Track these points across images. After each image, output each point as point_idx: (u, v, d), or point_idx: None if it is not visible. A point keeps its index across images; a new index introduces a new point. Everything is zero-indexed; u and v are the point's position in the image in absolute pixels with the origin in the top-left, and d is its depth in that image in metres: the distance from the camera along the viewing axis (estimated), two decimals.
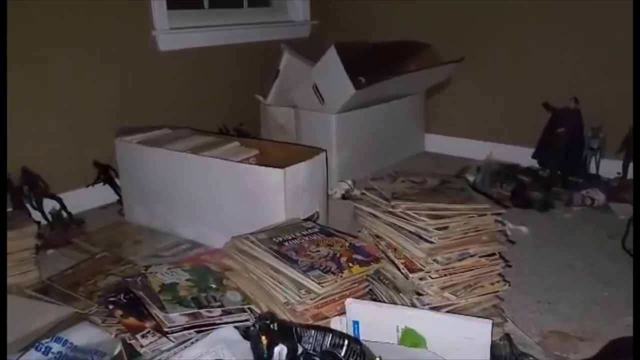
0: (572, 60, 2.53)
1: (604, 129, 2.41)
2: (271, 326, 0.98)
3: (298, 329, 1.01)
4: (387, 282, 1.40)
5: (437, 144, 3.03)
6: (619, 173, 2.37)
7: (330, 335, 0.99)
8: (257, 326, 1.00)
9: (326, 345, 0.98)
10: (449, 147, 2.96)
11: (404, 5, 2.96)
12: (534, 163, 2.58)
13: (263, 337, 0.95)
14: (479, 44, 2.75)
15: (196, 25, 2.67)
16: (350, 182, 2.42)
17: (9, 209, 1.99)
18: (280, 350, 0.93)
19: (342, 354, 0.94)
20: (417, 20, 2.93)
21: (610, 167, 2.41)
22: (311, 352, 0.96)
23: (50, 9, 2.10)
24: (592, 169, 2.48)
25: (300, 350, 0.96)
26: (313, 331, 1.01)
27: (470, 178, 2.44)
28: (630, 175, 2.35)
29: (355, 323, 1.22)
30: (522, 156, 2.59)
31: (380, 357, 0.99)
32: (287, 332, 0.98)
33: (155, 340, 1.26)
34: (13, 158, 2.02)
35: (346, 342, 0.97)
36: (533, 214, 2.16)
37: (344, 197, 2.35)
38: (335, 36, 2.87)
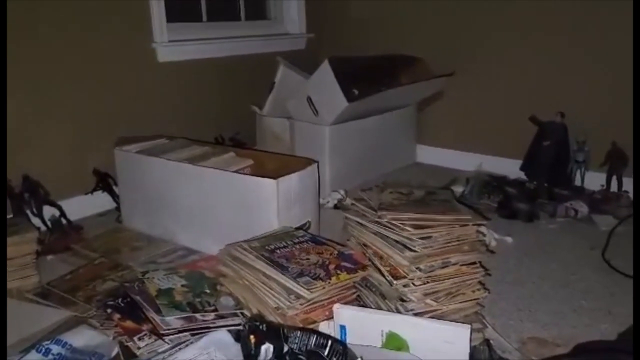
0: (559, 75, 2.61)
1: (588, 143, 2.49)
2: (260, 327, 1.04)
3: (285, 329, 1.08)
4: (373, 288, 1.46)
5: (428, 155, 3.11)
6: (602, 185, 2.44)
7: (315, 336, 1.06)
8: (246, 326, 1.06)
9: (311, 345, 1.04)
10: (439, 158, 3.03)
11: (397, 20, 3.05)
12: (522, 175, 2.65)
13: (251, 336, 1.01)
14: (469, 59, 2.84)
15: (194, 37, 2.74)
16: (342, 192, 2.49)
17: (10, 216, 2.05)
18: (267, 348, 0.99)
19: (326, 353, 1.01)
20: (410, 35, 3.01)
21: (595, 180, 2.48)
22: (297, 351, 1.03)
23: (52, 20, 2.17)
24: (578, 181, 2.55)
25: (285, 348, 1.02)
26: (299, 332, 1.07)
27: (460, 189, 2.51)
28: (613, 187, 2.42)
29: (343, 327, 1.28)
30: (511, 168, 2.66)
31: (361, 358, 1.05)
32: (275, 333, 1.04)
33: (152, 343, 1.32)
34: (14, 166, 2.08)
35: (329, 342, 1.04)
36: (518, 225, 2.23)
37: (336, 207, 2.42)
38: (331, 49, 2.97)
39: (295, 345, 1.05)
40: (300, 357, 0.99)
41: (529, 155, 2.63)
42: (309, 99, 2.53)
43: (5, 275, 1.65)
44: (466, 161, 2.84)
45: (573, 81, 2.57)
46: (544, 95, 2.66)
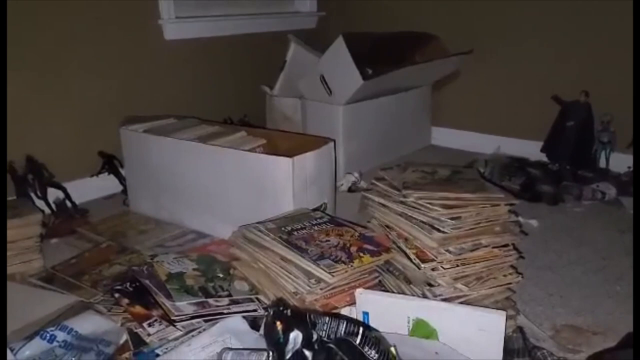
0: (583, 53, 2.50)
1: (614, 123, 2.38)
2: (285, 312, 0.95)
3: (312, 315, 0.99)
4: (397, 273, 1.38)
5: (444, 137, 3.00)
6: (629, 167, 2.34)
7: (345, 323, 0.97)
8: (271, 312, 0.97)
9: (340, 333, 0.95)
10: (456, 141, 2.93)
11: None
12: (543, 157, 2.55)
13: (278, 323, 0.93)
14: (488, 36, 2.72)
15: (202, 14, 2.64)
16: (356, 174, 2.39)
17: (13, 197, 1.97)
18: (296, 336, 0.91)
19: (357, 341, 0.92)
20: (425, 12, 2.89)
21: (620, 162, 2.38)
22: (326, 339, 0.94)
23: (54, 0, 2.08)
24: (602, 163, 2.45)
25: (315, 337, 0.93)
26: (327, 318, 0.98)
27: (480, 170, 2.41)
28: None
29: (365, 314, 1.20)
30: (531, 150, 2.56)
31: (395, 346, 0.96)
32: (302, 319, 0.96)
33: (162, 329, 1.24)
34: (18, 147, 2.01)
35: (361, 329, 0.95)
36: (543, 208, 2.14)
37: (350, 190, 2.33)
38: (342, 28, 2.84)
39: (324, 332, 0.96)
40: (330, 345, 0.90)
41: (551, 136, 2.52)
42: (322, 78, 2.44)
43: (5, 264, 1.56)
44: (483, 143, 2.74)
45: (597, 58, 2.46)
46: (567, 74, 2.54)
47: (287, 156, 1.65)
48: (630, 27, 2.28)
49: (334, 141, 1.83)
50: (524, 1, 2.61)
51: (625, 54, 2.36)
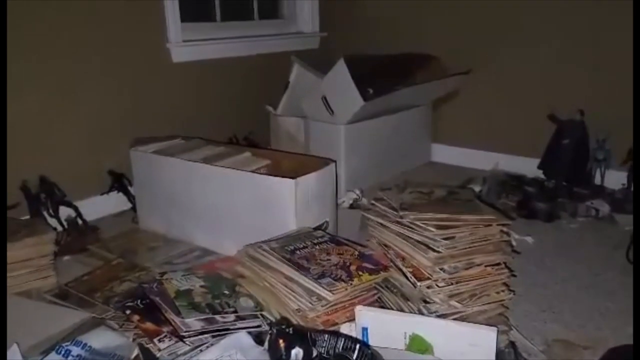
0: (578, 73, 2.57)
1: (609, 141, 2.45)
2: (287, 330, 1.02)
3: (312, 333, 1.06)
4: (395, 290, 1.44)
5: (443, 153, 3.07)
6: (623, 184, 2.40)
7: (343, 340, 1.04)
8: (274, 330, 1.04)
9: (338, 349, 1.02)
10: (455, 157, 3.00)
11: (411, 17, 3.02)
12: (540, 174, 2.61)
13: (280, 341, 0.99)
14: (486, 56, 2.80)
15: (209, 37, 2.73)
16: (358, 191, 2.46)
17: (27, 217, 2.05)
18: (297, 353, 0.97)
19: (354, 357, 0.99)
20: (425, 33, 2.98)
21: (615, 179, 2.44)
22: (325, 355, 1.01)
23: (69, 21, 2.16)
24: (598, 180, 2.51)
25: (314, 353, 1.00)
26: (326, 335, 1.05)
27: (477, 188, 2.48)
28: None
29: (365, 329, 1.26)
30: (528, 167, 2.63)
31: None
32: (303, 336, 1.02)
33: (172, 344, 1.30)
34: (31, 166, 2.10)
35: (357, 346, 1.02)
36: (538, 225, 2.20)
37: (352, 207, 2.40)
38: (344, 47, 2.94)
39: (323, 349, 1.03)
40: None
41: (548, 154, 2.59)
42: (324, 98, 2.51)
43: (5, 275, 1.63)
44: (482, 160, 2.81)
45: (593, 78, 2.53)
46: (563, 93, 2.62)
47: (291, 177, 1.72)
48: (625, 46, 2.36)
49: (335, 162, 1.90)
50: (520, 23, 2.69)
51: (620, 74, 2.44)
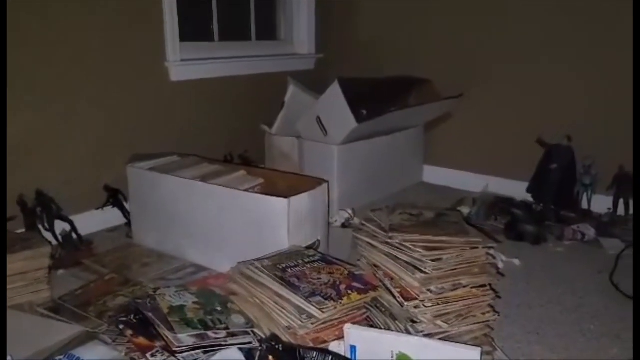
0: (566, 98, 2.64)
1: (595, 166, 2.51)
2: (277, 347, 1.05)
3: (301, 350, 1.09)
4: (383, 309, 1.47)
5: (435, 175, 3.13)
6: (609, 209, 2.45)
7: (331, 357, 1.07)
8: (264, 347, 1.07)
9: None
10: (446, 179, 3.06)
11: (406, 42, 3.10)
12: (529, 197, 2.67)
13: (270, 357, 1.02)
14: (477, 81, 2.88)
15: (206, 57, 2.79)
16: (350, 211, 2.51)
17: (22, 230, 2.07)
18: None
19: None
20: (418, 57, 3.06)
21: (601, 203, 2.50)
22: None
23: (69, 39, 2.21)
24: (585, 204, 2.56)
25: None
26: (315, 353, 1.08)
27: (466, 210, 2.53)
28: (620, 211, 2.43)
29: (353, 347, 1.29)
30: (517, 190, 2.69)
31: None
32: (292, 353, 1.05)
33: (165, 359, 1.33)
34: (28, 181, 2.12)
35: None
36: (526, 247, 2.24)
37: (344, 226, 2.44)
38: (339, 69, 3.02)
39: None
40: None
41: (536, 178, 2.65)
42: (319, 119, 2.57)
43: (5, 282, 1.65)
44: (473, 182, 2.86)
45: (580, 104, 2.60)
46: (551, 118, 2.69)
47: (284, 196, 1.77)
48: (612, 73, 2.43)
49: (328, 182, 1.95)
50: (511, 50, 2.77)
51: (607, 101, 2.51)
